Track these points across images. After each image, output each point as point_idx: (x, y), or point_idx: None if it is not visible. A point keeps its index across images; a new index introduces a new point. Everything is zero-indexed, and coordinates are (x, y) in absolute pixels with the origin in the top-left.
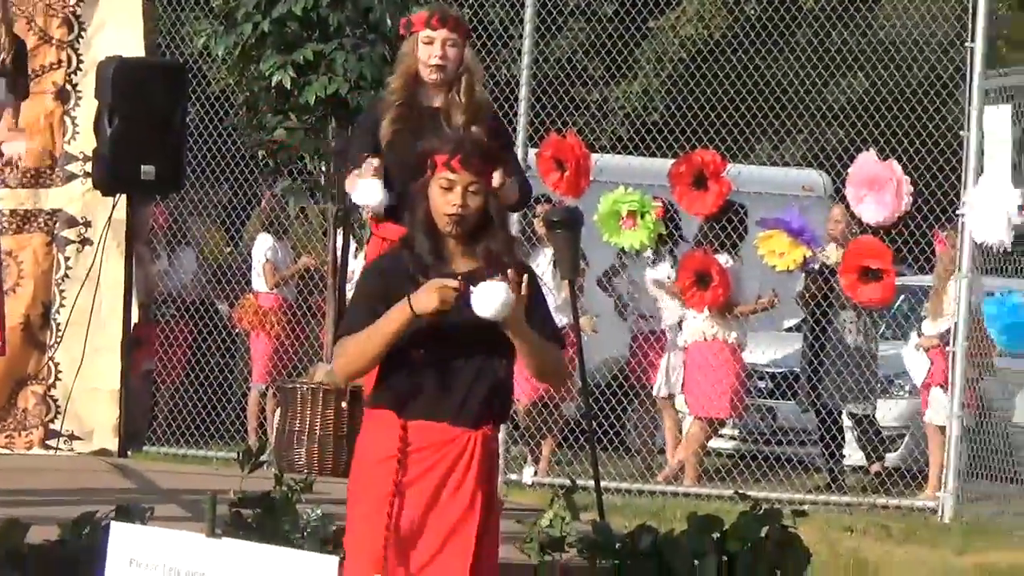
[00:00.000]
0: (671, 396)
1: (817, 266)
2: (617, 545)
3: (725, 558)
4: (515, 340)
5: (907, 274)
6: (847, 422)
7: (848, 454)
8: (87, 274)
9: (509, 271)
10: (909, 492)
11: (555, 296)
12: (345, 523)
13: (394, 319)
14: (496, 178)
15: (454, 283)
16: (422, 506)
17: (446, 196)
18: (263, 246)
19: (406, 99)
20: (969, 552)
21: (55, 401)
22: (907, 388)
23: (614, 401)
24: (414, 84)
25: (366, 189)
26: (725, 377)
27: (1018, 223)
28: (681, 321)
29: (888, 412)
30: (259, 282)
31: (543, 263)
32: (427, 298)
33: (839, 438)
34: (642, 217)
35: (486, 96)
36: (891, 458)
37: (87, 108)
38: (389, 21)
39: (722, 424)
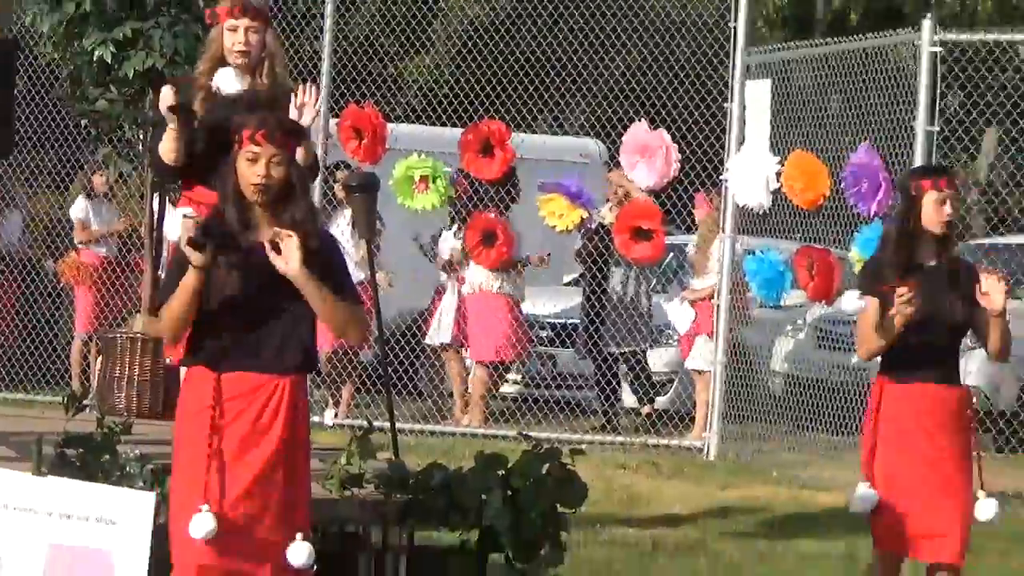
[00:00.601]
0: (451, 344)
1: (594, 226)
2: (410, 481)
3: (509, 492)
4: (308, 297)
5: (675, 234)
6: (622, 368)
7: (622, 398)
8: None
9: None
10: (677, 433)
11: (354, 254)
12: (164, 463)
13: (188, 278)
14: (300, 154)
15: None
16: (237, 447)
17: (252, 167)
18: (77, 207)
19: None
20: (731, 487)
21: None
22: (675, 337)
23: (408, 349)
24: (221, 67)
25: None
26: (502, 325)
27: (775, 187)
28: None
29: (658, 359)
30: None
31: (343, 224)
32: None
33: (614, 383)
34: (433, 181)
35: (288, 78)
36: (661, 401)
37: None
38: (201, 2)
39: (507, 369)
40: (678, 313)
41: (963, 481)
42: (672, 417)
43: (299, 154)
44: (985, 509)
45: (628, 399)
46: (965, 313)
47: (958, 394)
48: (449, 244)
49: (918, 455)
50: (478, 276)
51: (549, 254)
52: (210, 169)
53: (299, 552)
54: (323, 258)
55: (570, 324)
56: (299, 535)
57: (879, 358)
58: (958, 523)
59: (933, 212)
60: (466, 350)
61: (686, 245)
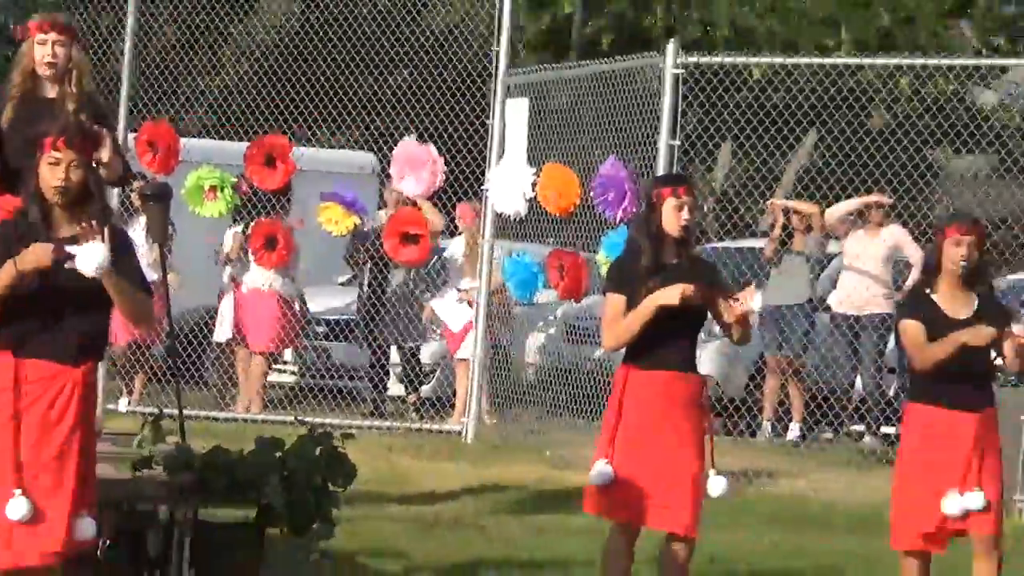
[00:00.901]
0: (234, 339)
1: (367, 229)
2: (196, 463)
3: (285, 473)
4: (110, 290)
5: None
6: (394, 359)
7: (390, 387)
8: None
9: (102, 234)
10: (439, 418)
11: (147, 257)
12: None
13: (3, 276)
14: (104, 154)
15: (50, 247)
16: (36, 430)
17: (53, 171)
18: None
19: (24, 91)
20: (488, 467)
21: None
22: (439, 332)
23: (196, 343)
24: (32, 78)
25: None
26: (277, 320)
27: (531, 197)
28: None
29: (425, 352)
30: None
31: (138, 229)
32: (28, 258)
33: (382, 373)
34: (221, 191)
35: (93, 87)
36: (425, 390)
37: None
38: (12, 25)
39: (275, 360)
40: (453, 310)
41: (696, 460)
42: (435, 404)
43: (104, 154)
44: (716, 486)
45: (395, 388)
46: (703, 306)
47: (695, 381)
48: (231, 240)
49: (658, 435)
50: (257, 276)
51: (302, 220)
52: (15, 177)
53: (85, 527)
54: (120, 255)
55: (343, 320)
56: (85, 511)
57: (623, 350)
58: (690, 497)
59: (672, 217)
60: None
61: (444, 249)
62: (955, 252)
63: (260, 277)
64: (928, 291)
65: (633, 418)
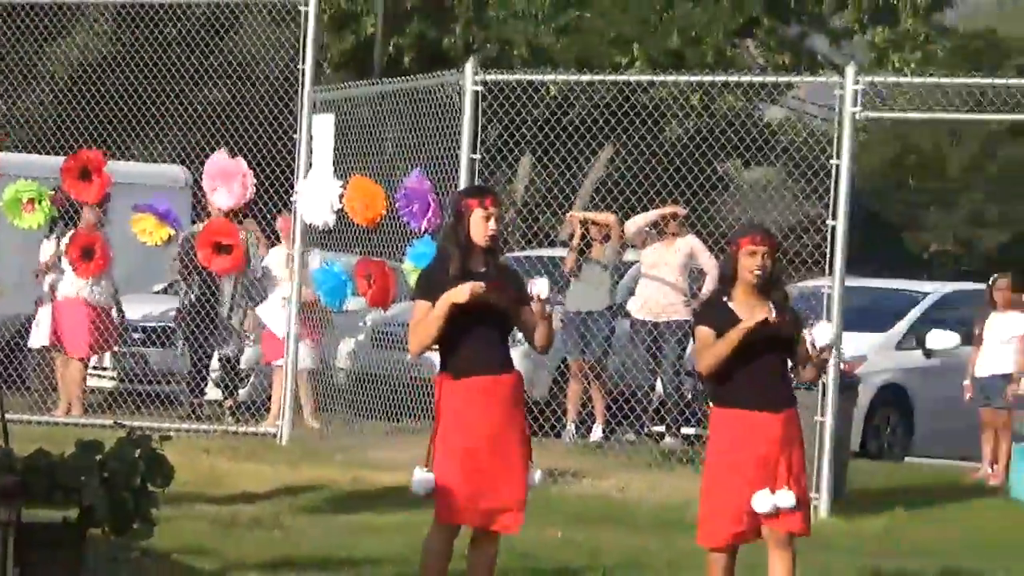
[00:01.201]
0: (52, 347)
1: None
2: (18, 465)
3: (105, 475)
4: None
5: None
6: (214, 364)
7: (208, 391)
8: None
9: None
10: (255, 421)
11: None
12: None
13: None
14: None
15: None
16: None
17: None
18: None
19: None
20: (299, 468)
21: None
22: (253, 338)
23: (16, 350)
24: None
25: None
26: (90, 326)
27: (339, 208)
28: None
29: (242, 357)
30: None
31: None
32: None
33: (199, 379)
34: (39, 203)
35: None
36: (241, 394)
37: None
38: None
39: (93, 365)
40: (277, 316)
41: (520, 463)
42: (250, 407)
43: None
44: (533, 477)
45: (213, 392)
46: (512, 308)
47: (509, 381)
48: (48, 250)
49: (477, 440)
50: (72, 285)
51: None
52: None
53: None
54: None
55: (160, 327)
56: None
57: (431, 355)
58: (517, 495)
59: (480, 227)
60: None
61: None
62: (750, 262)
63: (75, 286)
64: (725, 299)
65: (452, 425)
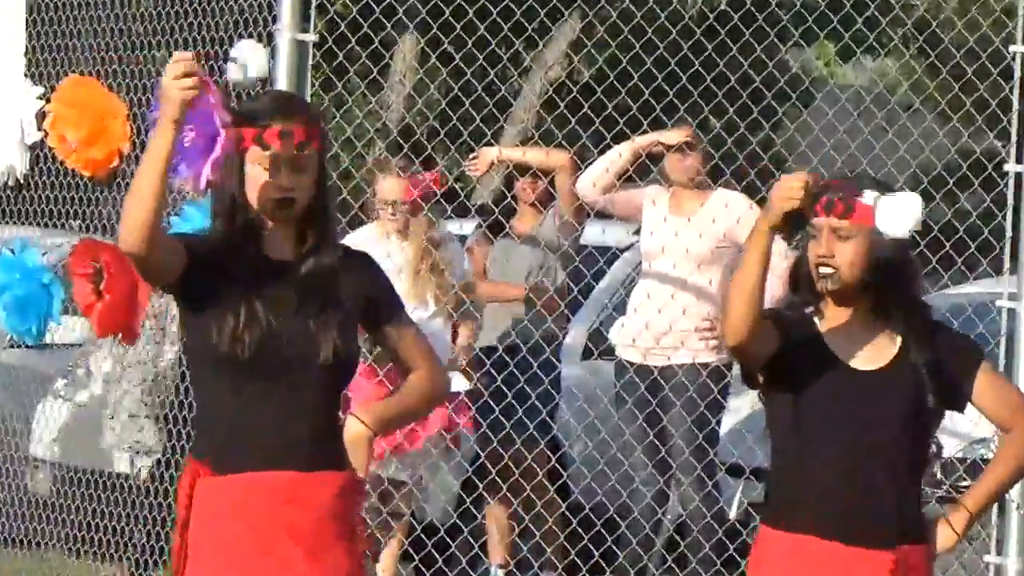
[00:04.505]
0: None
1: None
2: None
3: None
4: None
5: None
6: None
7: None
8: None
9: None
10: None
11: None
12: None
13: None
14: None
15: None
16: None
17: None
18: None
19: None
20: None
21: None
22: None
23: None
24: None
25: None
26: None
27: (38, 139)
28: None
29: None
30: None
31: None
32: None
33: None
34: None
35: None
36: None
37: None
38: None
39: None
40: None
41: None
42: None
43: None
44: None
45: None
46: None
47: (329, 480)
48: None
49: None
50: None
51: None
52: None
53: None
54: None
55: None
56: None
57: None
58: None
59: (258, 180)
60: None
61: None
62: (816, 247)
63: None
64: (810, 312)
65: (205, 548)
